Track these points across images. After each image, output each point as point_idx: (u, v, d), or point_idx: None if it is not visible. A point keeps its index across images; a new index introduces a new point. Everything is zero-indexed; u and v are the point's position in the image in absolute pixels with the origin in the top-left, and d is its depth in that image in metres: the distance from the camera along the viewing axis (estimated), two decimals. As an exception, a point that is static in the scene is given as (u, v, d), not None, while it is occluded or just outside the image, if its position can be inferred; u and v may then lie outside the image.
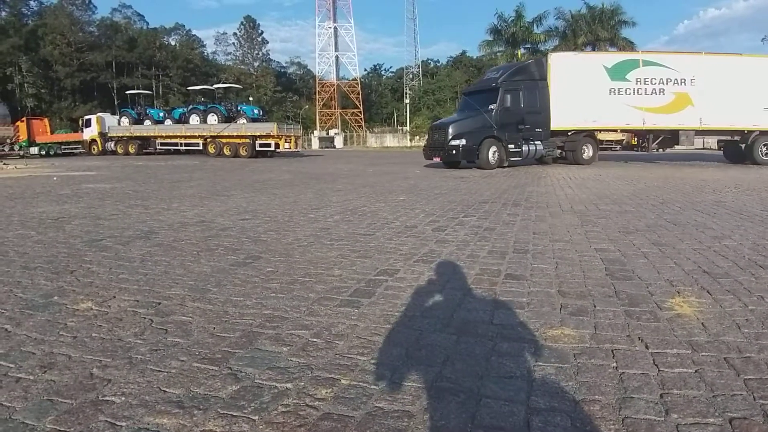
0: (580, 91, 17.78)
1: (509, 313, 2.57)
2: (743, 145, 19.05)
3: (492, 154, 15.96)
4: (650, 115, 18.13)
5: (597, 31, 45.21)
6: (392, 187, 9.81)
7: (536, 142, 16.96)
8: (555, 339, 2.25)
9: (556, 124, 17.50)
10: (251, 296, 2.85)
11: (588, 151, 18.64)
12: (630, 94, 18.08)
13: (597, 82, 17.93)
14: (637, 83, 18.12)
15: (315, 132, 63.36)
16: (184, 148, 30.94)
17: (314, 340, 2.24)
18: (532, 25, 47.78)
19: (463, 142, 15.79)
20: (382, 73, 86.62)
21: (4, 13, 70.83)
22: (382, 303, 2.72)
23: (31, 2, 73.99)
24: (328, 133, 63.98)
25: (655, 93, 18.17)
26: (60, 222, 5.76)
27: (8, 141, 35.98)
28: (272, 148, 27.41)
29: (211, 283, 3.12)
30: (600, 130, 19.48)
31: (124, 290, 3.02)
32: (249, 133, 27.56)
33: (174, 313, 2.60)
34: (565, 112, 17.61)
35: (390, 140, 63.37)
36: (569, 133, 18.18)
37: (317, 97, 67.86)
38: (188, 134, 30.23)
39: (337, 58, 68.91)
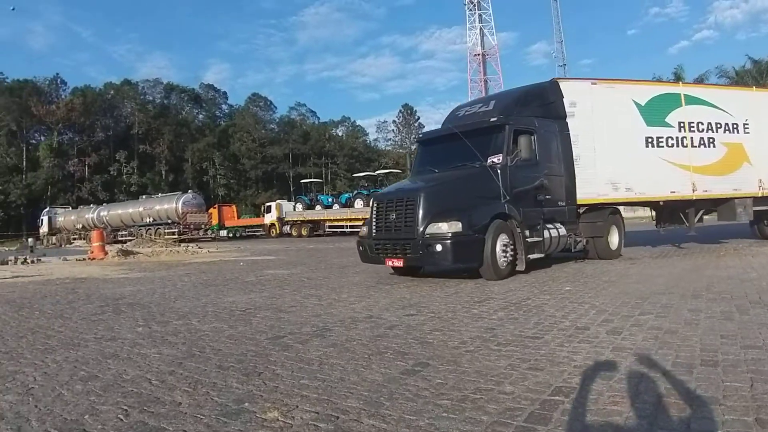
0: (603, 141, 11.45)
1: (707, 455, 2.30)
2: None
3: (502, 248, 8.78)
4: (700, 177, 12.38)
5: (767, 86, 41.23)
6: (554, 273, 9.43)
7: (558, 225, 10.33)
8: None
9: (582, 194, 11.13)
10: (423, 415, 2.86)
11: (615, 236, 11.93)
12: (673, 146, 12.21)
13: (628, 127, 11.90)
14: (680, 130, 12.33)
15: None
16: (349, 229, 32.95)
17: (491, 478, 2.17)
18: (693, 87, 44.72)
19: (458, 227, 8.39)
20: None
21: (201, 116, 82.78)
22: (560, 433, 2.58)
23: (223, 106, 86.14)
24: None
25: (704, 144, 12.58)
26: (247, 314, 6.33)
27: (203, 226, 41.00)
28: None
29: (384, 396, 3.19)
30: (635, 203, 13.62)
31: (305, 399, 3.20)
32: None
33: (352, 431, 2.69)
34: (586, 175, 11.18)
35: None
36: (580, 209, 11.58)
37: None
38: (353, 217, 32.42)
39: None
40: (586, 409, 2.86)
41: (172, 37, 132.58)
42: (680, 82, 13.40)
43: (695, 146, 12.43)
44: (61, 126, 68.53)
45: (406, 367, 3.80)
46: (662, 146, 12.07)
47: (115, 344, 4.98)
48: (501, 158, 9.36)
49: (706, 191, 12.45)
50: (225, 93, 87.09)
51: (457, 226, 8.33)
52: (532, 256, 9.39)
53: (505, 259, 8.81)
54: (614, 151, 11.55)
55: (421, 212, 8.63)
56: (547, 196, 10.13)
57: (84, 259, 18.90)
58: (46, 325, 6.20)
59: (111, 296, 8.57)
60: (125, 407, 3.18)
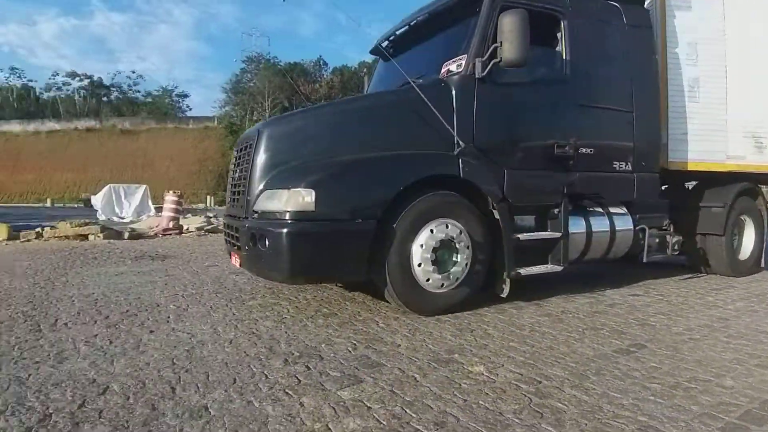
0: (742, 59, 6.50)
1: None
2: None
3: (429, 252, 4.36)
4: None
5: None
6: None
7: (614, 209, 5.74)
8: None
9: (694, 154, 6.36)
10: (629, 394, 2.82)
11: (749, 236, 7.10)
12: None
13: None
14: None
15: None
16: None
17: (686, 466, 2.12)
18: None
19: (309, 200, 4.03)
20: None
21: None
22: (779, 438, 2.35)
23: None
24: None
25: None
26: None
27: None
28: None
29: (591, 370, 3.20)
30: None
31: (511, 360, 3.37)
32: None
33: (551, 397, 2.79)
34: (707, 119, 6.41)
35: None
36: (685, 185, 7.32)
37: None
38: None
39: None
40: (823, 420, 2.54)
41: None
42: None
43: None
44: (323, 102, 76.84)
45: (620, 346, 3.72)
46: None
47: (355, 291, 5.67)
48: (463, 63, 4.81)
49: None
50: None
51: (305, 199, 4.06)
52: (525, 271, 4.85)
53: (440, 276, 4.45)
54: (762, 81, 6.64)
55: (258, 168, 4.51)
56: (583, 150, 5.30)
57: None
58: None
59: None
60: (354, 342, 3.72)
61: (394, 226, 4.26)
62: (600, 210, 5.65)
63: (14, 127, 75.04)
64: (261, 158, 4.50)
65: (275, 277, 4.48)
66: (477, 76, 4.70)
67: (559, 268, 5.09)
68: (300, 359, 3.34)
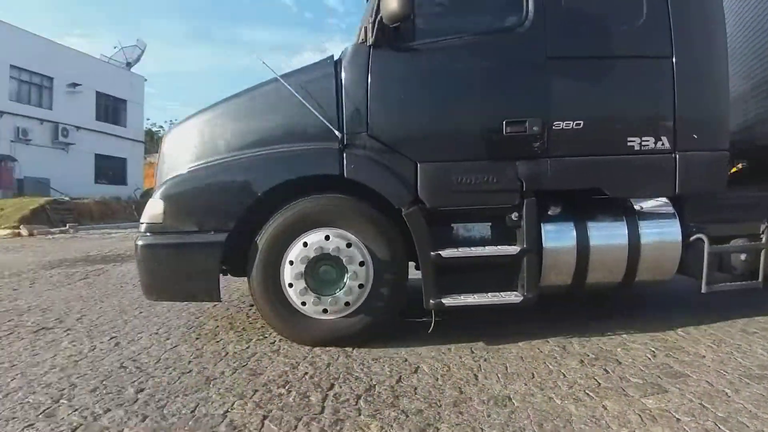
0: None
1: None
2: None
3: (295, 274, 3.62)
4: None
5: None
6: None
7: (654, 210, 3.91)
8: None
9: None
10: None
11: None
12: None
13: None
14: None
15: None
16: None
17: None
18: None
19: (157, 210, 3.75)
20: None
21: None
22: None
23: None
24: None
25: None
26: None
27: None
28: None
29: None
30: None
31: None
32: None
33: None
34: None
35: None
36: None
37: None
38: None
39: None
40: None
41: None
42: None
43: None
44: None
45: None
46: None
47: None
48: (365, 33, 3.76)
49: None
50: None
51: (155, 210, 3.82)
52: (452, 301, 3.68)
53: (321, 299, 3.68)
54: None
55: (157, 176, 4.28)
56: (561, 124, 3.71)
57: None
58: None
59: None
60: (652, 349, 3.67)
61: (257, 239, 3.71)
62: (616, 212, 4.00)
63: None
64: (160, 165, 4.23)
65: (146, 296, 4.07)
66: (368, 43, 3.71)
67: (516, 300, 3.70)
68: (596, 361, 3.45)
